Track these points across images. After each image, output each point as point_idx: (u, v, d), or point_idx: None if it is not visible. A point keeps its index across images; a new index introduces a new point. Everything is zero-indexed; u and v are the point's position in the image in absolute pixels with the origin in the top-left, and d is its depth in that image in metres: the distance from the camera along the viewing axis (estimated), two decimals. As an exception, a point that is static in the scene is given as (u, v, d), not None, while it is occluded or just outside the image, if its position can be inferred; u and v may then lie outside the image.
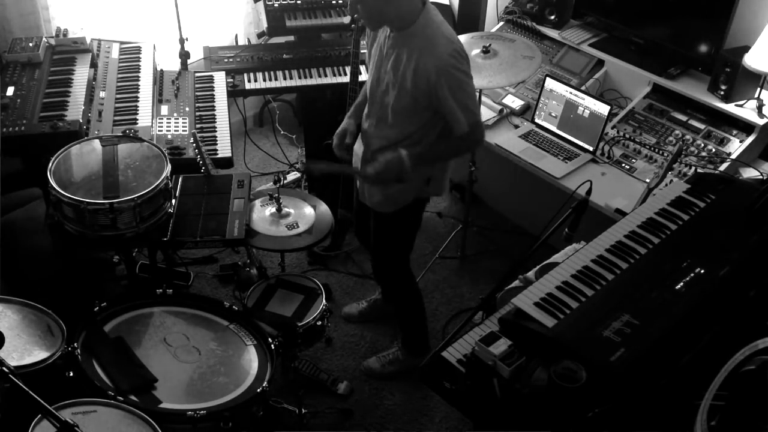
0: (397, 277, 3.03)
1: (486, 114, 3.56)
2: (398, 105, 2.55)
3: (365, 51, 3.45)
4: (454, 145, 2.62)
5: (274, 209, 2.81)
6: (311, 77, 3.71)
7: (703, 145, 3.19)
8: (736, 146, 3.14)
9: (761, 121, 3.10)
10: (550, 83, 3.50)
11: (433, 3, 2.54)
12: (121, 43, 3.56)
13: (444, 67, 2.41)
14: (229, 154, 3.12)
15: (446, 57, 2.42)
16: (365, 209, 2.90)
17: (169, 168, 2.64)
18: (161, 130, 3.09)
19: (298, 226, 2.76)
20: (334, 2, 3.86)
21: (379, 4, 2.41)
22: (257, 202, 2.87)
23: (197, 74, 3.56)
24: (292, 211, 2.83)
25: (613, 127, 3.41)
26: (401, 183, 2.59)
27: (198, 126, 3.20)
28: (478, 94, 3.29)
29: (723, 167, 3.07)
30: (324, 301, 2.81)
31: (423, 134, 2.58)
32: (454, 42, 2.47)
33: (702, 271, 1.92)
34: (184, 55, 3.61)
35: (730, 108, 3.18)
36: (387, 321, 3.41)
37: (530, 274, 2.43)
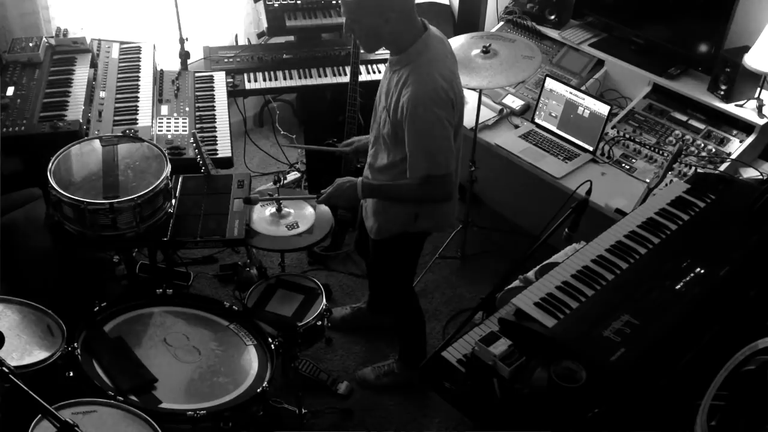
0: (395, 299, 3.00)
1: (486, 114, 3.56)
2: (385, 131, 2.48)
3: (373, 53, 3.45)
4: (407, 189, 2.44)
5: (274, 209, 2.81)
6: (311, 77, 3.71)
7: (703, 145, 3.19)
8: (736, 146, 3.14)
9: (761, 121, 3.10)
10: (550, 83, 3.50)
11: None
12: (121, 43, 3.56)
13: (416, 103, 2.27)
14: (229, 154, 3.12)
15: (424, 91, 2.27)
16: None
17: (169, 168, 2.64)
18: (161, 130, 3.09)
19: (298, 226, 2.76)
20: (334, 2, 3.85)
21: (377, 24, 2.30)
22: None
23: (197, 74, 3.56)
24: (292, 211, 2.82)
25: (613, 127, 3.41)
26: (351, 208, 2.60)
27: (198, 126, 3.20)
28: (478, 94, 3.30)
29: (723, 167, 3.07)
30: (324, 301, 2.81)
31: (404, 167, 2.44)
32: (441, 80, 2.30)
33: (702, 271, 1.92)
34: (184, 55, 3.61)
35: (730, 108, 3.18)
36: (373, 329, 3.36)
37: (530, 274, 2.43)
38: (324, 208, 2.86)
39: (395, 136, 2.43)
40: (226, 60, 3.74)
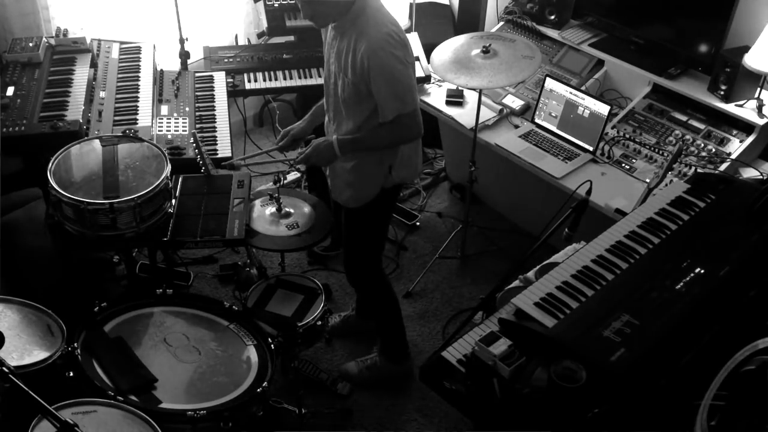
0: (369, 279, 3.00)
1: (486, 114, 3.56)
2: (345, 95, 2.56)
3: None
4: (382, 134, 2.56)
5: (274, 209, 2.81)
6: (311, 77, 3.71)
7: (703, 145, 3.19)
8: (736, 146, 3.14)
9: (761, 121, 3.10)
10: (550, 83, 3.50)
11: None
12: (121, 43, 3.56)
13: (374, 50, 2.40)
14: (229, 154, 3.12)
15: (377, 39, 2.40)
16: (339, 208, 2.89)
17: (169, 168, 2.64)
18: (161, 130, 3.10)
19: (298, 226, 2.76)
20: (334, 2, 3.85)
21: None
22: (257, 202, 2.87)
23: (197, 74, 3.56)
24: (292, 211, 2.83)
25: (613, 127, 3.41)
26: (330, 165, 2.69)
27: (198, 126, 3.20)
28: (478, 94, 3.30)
29: (723, 167, 3.07)
30: (324, 301, 2.81)
31: (373, 121, 2.56)
32: (390, 26, 2.45)
33: (702, 271, 1.92)
34: (184, 55, 3.62)
35: (730, 108, 3.18)
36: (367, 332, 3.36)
37: (530, 274, 2.43)
38: (324, 209, 2.86)
39: (358, 95, 2.52)
40: (226, 60, 3.74)
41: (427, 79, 3.72)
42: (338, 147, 2.59)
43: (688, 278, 1.90)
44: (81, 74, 3.20)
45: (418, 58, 3.72)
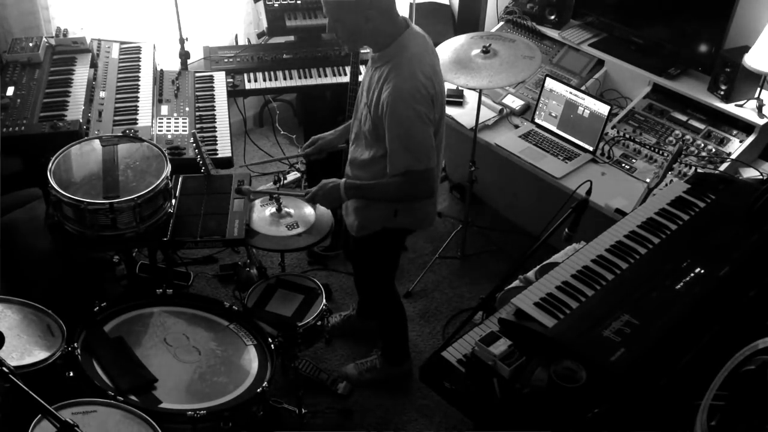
0: (377, 296, 3.03)
1: (486, 114, 3.56)
2: (366, 127, 2.50)
3: (366, 51, 3.45)
4: (390, 187, 2.46)
5: (274, 209, 2.81)
6: (311, 77, 3.71)
7: (703, 145, 3.19)
8: (736, 146, 3.14)
9: (761, 121, 3.10)
10: (550, 83, 3.50)
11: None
12: (121, 43, 3.56)
13: (395, 98, 2.30)
14: (229, 154, 3.12)
15: (403, 88, 2.30)
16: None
17: (169, 168, 2.64)
18: (161, 130, 3.09)
19: (298, 226, 2.76)
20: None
21: (358, 22, 2.33)
22: (257, 202, 2.87)
23: (197, 74, 3.56)
24: (292, 211, 2.83)
25: (613, 127, 3.41)
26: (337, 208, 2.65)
27: (198, 126, 3.20)
28: (478, 94, 3.30)
29: (723, 167, 3.07)
30: (324, 301, 2.81)
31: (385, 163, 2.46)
32: (422, 78, 2.33)
33: (702, 271, 1.92)
34: (184, 55, 3.61)
35: (730, 108, 3.18)
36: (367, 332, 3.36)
37: (530, 274, 2.43)
38: (324, 209, 2.86)
39: (376, 133, 2.46)
40: (226, 60, 3.74)
41: (427, 79, 3.71)
42: (344, 191, 2.51)
43: (688, 278, 1.90)
44: (81, 74, 3.20)
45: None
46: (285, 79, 3.69)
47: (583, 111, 3.38)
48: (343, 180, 2.54)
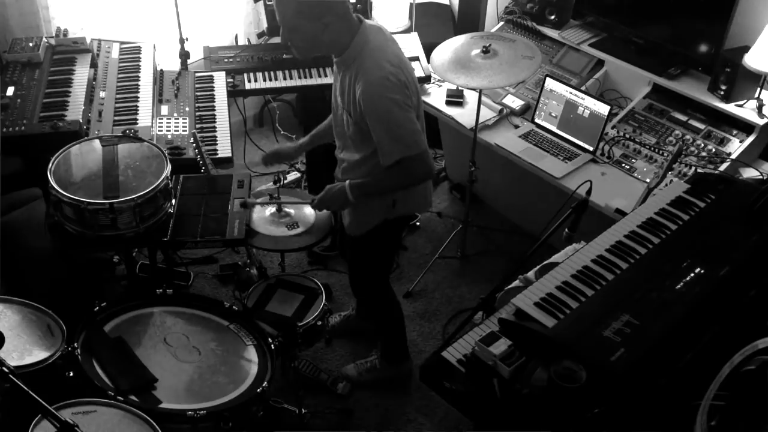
0: (373, 295, 3.02)
1: (486, 114, 3.56)
2: (350, 132, 2.53)
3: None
4: (391, 177, 2.49)
5: (274, 209, 2.81)
6: (311, 77, 3.71)
7: (703, 145, 3.19)
8: (736, 146, 3.14)
9: (761, 121, 3.10)
10: (550, 83, 3.50)
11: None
12: (121, 43, 3.56)
13: (369, 94, 2.33)
14: (229, 154, 3.12)
15: (372, 83, 2.33)
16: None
17: (169, 168, 2.64)
18: (161, 130, 3.09)
19: (298, 226, 2.76)
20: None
21: (316, 30, 2.34)
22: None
23: (197, 74, 3.56)
24: (292, 211, 2.83)
25: (613, 127, 3.41)
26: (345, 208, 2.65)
27: (198, 126, 3.20)
28: (478, 94, 3.30)
29: (723, 167, 3.07)
30: (324, 301, 2.81)
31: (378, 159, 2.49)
32: (388, 67, 2.35)
33: (702, 271, 1.92)
34: (184, 55, 3.61)
35: (730, 108, 3.18)
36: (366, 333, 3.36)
37: (530, 274, 2.43)
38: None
39: (361, 133, 2.48)
40: (226, 60, 3.73)
41: (427, 79, 3.72)
42: (350, 191, 2.52)
43: (688, 278, 1.90)
44: (81, 74, 3.20)
45: (418, 58, 3.72)
46: (285, 79, 3.69)
47: (583, 111, 3.38)
48: (348, 181, 2.54)
